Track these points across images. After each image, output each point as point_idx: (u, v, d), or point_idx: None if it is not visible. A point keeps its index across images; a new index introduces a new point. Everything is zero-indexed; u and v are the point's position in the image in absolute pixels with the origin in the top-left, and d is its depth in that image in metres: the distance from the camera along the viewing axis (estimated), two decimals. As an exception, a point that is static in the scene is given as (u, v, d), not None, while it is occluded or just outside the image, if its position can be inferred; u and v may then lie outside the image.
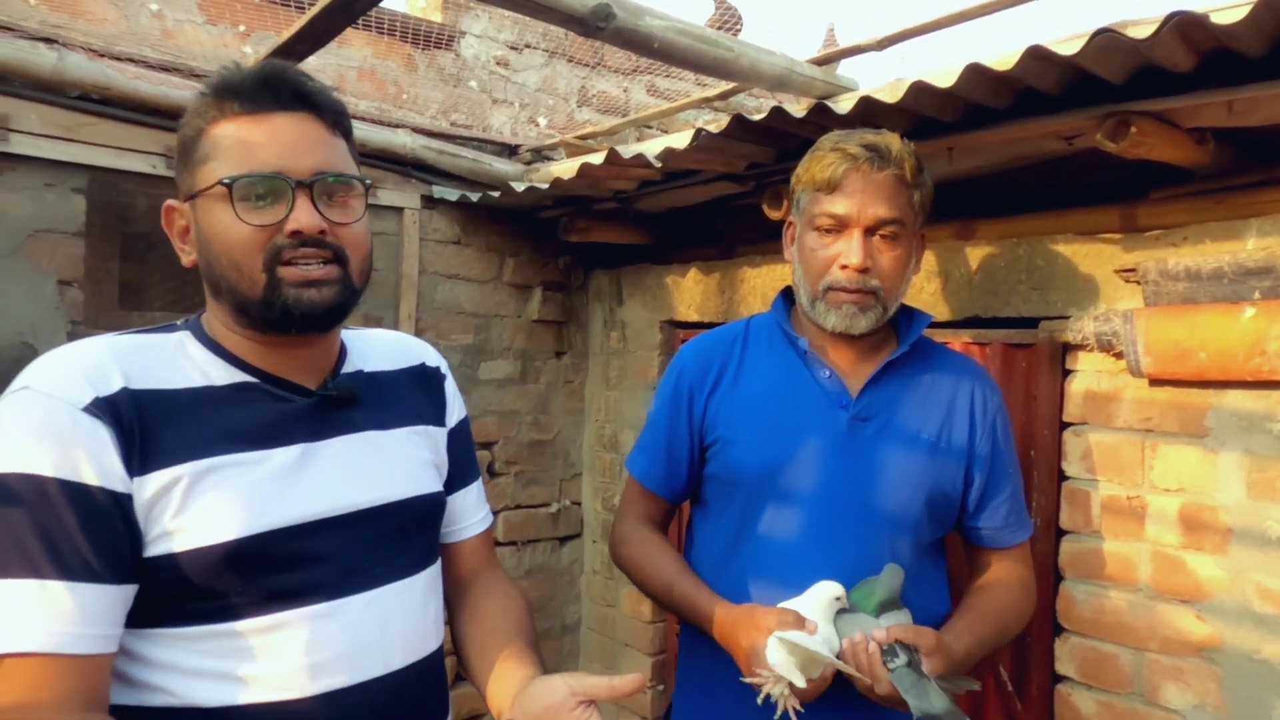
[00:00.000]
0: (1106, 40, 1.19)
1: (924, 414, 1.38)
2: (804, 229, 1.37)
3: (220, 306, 0.99)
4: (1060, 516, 1.77)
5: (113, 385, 0.89)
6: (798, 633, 1.16)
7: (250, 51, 2.24)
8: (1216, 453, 1.55)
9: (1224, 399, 1.54)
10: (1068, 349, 1.76)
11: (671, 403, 1.44)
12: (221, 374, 0.97)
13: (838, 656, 1.19)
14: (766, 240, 2.36)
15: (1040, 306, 1.80)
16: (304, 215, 0.93)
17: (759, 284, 2.34)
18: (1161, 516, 1.61)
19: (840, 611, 1.24)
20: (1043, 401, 1.81)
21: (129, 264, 2.09)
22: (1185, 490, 1.59)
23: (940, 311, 1.97)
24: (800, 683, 1.14)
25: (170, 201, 1.00)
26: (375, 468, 1.04)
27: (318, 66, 2.39)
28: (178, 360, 0.96)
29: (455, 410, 1.21)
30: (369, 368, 1.10)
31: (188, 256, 1.00)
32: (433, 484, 1.13)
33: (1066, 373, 1.77)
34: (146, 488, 0.88)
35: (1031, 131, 1.50)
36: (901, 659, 1.16)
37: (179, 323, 1.03)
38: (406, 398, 1.13)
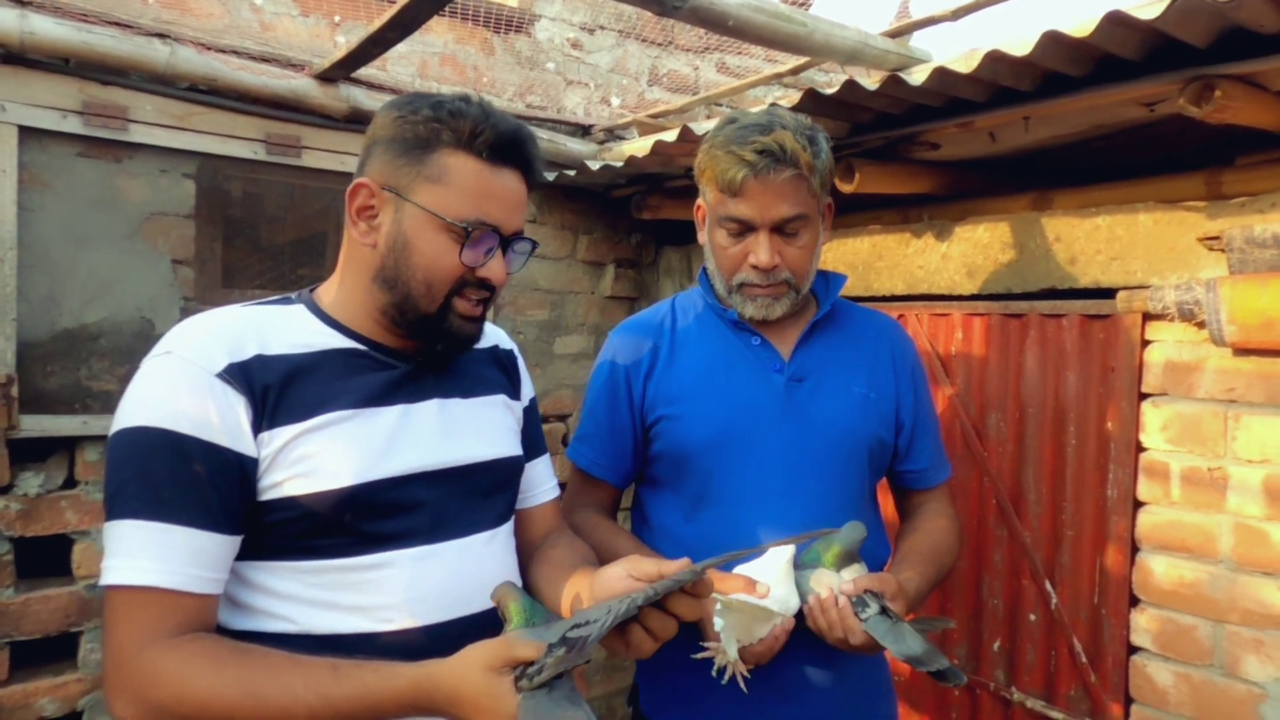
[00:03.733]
0: (1189, 3, 1.18)
1: (852, 369, 1.45)
2: (713, 225, 1.41)
3: (372, 289, 1.08)
4: (1138, 488, 1.76)
5: (247, 351, 1.00)
6: (739, 594, 1.13)
7: (343, 40, 2.35)
8: (1304, 423, 1.52)
9: (1313, 368, 1.51)
10: (1147, 319, 1.74)
11: (609, 389, 1.47)
12: (335, 341, 1.09)
13: (799, 615, 1.22)
14: (839, 214, 2.37)
15: (1119, 276, 1.78)
16: (498, 269, 1.08)
17: (830, 258, 2.36)
18: (1244, 488, 1.59)
19: (803, 569, 1.26)
20: (1120, 373, 1.80)
21: (230, 245, 2.23)
22: (1270, 461, 1.56)
23: (1015, 284, 1.97)
24: (732, 653, 1.16)
25: (365, 180, 1.06)
26: (464, 430, 1.16)
27: (404, 53, 2.49)
28: (298, 328, 1.08)
29: (527, 388, 1.33)
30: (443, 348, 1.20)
31: (365, 236, 1.07)
32: (514, 448, 1.24)
33: (1145, 343, 1.75)
34: (275, 440, 0.99)
35: (1111, 98, 1.49)
36: (873, 608, 1.18)
37: (293, 296, 1.15)
38: (487, 372, 1.25)
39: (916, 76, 1.56)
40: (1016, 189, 2.05)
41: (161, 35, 1.98)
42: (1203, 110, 1.38)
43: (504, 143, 1.05)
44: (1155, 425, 1.72)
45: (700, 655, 1.24)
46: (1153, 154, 1.89)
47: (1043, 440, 1.94)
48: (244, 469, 0.98)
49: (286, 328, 1.06)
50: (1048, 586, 1.92)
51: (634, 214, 2.62)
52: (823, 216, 1.45)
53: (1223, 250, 1.61)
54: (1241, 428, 1.60)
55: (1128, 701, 1.78)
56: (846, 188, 1.94)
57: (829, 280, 1.54)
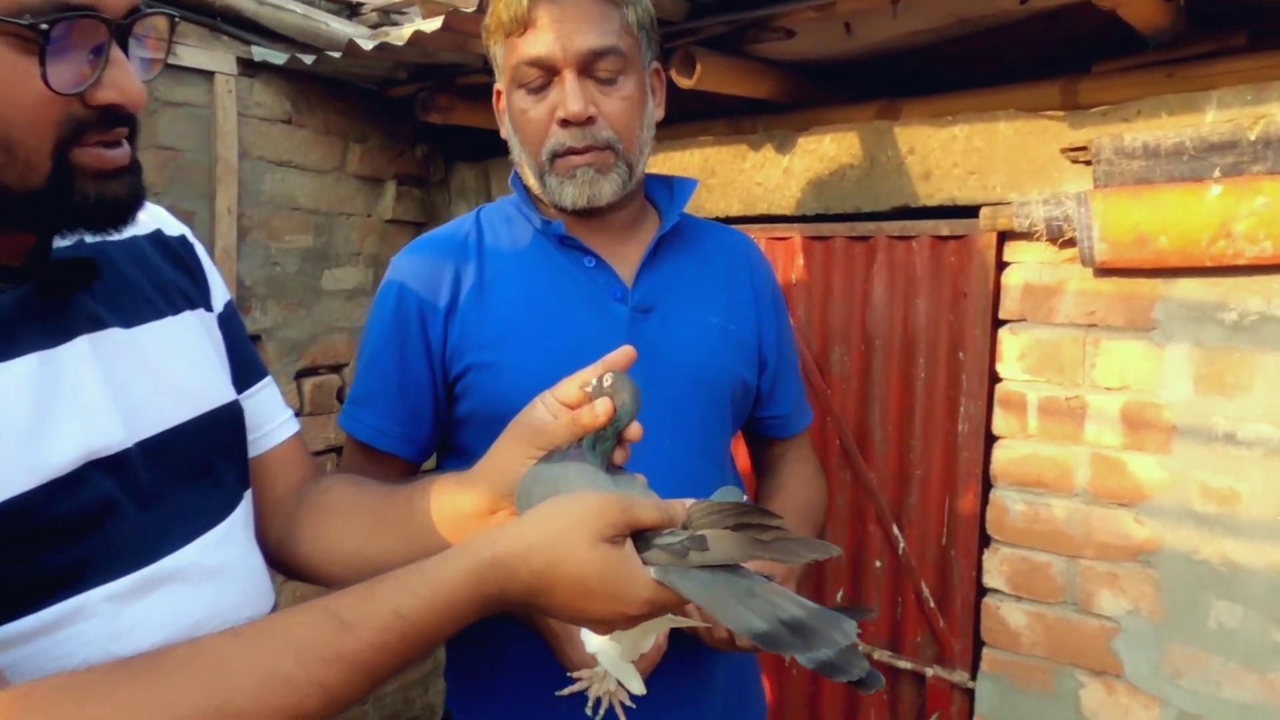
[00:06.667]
0: None
1: (707, 296, 1.18)
2: (511, 91, 1.09)
3: None
4: (992, 422, 1.64)
5: None
6: None
7: None
8: (1163, 346, 1.45)
9: (1174, 288, 1.43)
10: (1004, 239, 1.61)
11: (396, 333, 1.11)
12: None
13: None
14: (664, 125, 2.06)
15: (978, 192, 1.63)
16: (127, 81, 0.64)
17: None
18: (1102, 417, 1.51)
19: None
20: (974, 298, 1.66)
21: None
22: (1129, 388, 1.49)
23: (865, 201, 1.77)
24: (639, 689, 0.86)
25: None
26: (143, 377, 0.74)
27: None
28: None
29: (219, 288, 0.90)
30: (88, 236, 0.73)
31: None
32: (225, 387, 0.84)
33: (1001, 265, 1.63)
34: None
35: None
36: None
37: None
38: (159, 274, 0.81)
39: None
40: (859, 97, 1.85)
41: None
42: (1101, -10, 1.20)
43: None
44: (1012, 354, 1.60)
45: (570, 690, 0.91)
46: (1005, 62, 1.76)
47: (890, 374, 1.79)
48: None
49: None
50: (895, 530, 1.79)
51: (419, 116, 2.15)
52: (652, 90, 1.14)
53: (1087, 162, 1.49)
54: (1101, 354, 1.51)
55: (977, 645, 1.69)
56: (686, 82, 1.63)
57: (674, 187, 1.23)
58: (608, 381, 0.77)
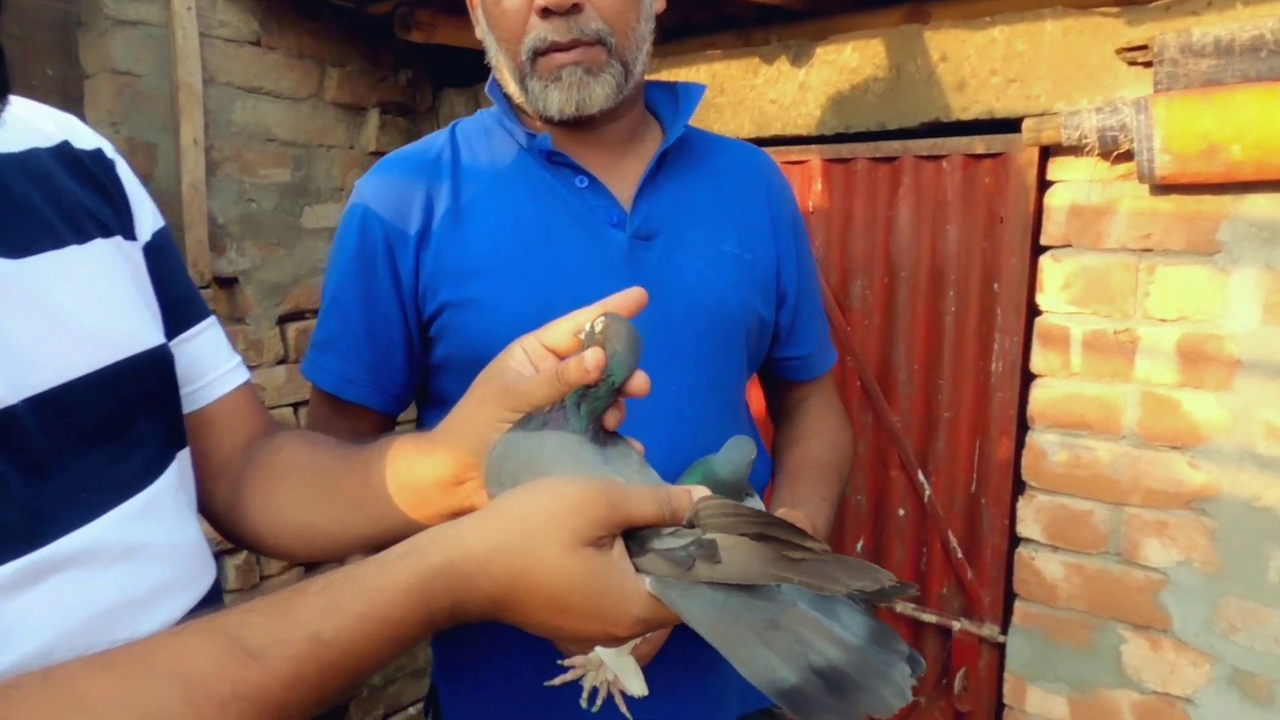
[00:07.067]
0: None
1: (717, 219, 1.02)
2: None
3: None
4: (1030, 358, 1.50)
5: None
6: None
7: None
8: (1228, 272, 1.30)
9: (1243, 206, 1.27)
10: (1048, 155, 1.45)
11: (361, 267, 0.97)
12: None
13: None
14: (664, 41, 1.88)
15: (1019, 103, 1.45)
16: None
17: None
18: (1155, 351, 1.37)
19: None
20: (1012, 222, 1.50)
21: None
22: (1187, 319, 1.34)
23: (890, 117, 1.60)
24: (638, 689, 0.73)
25: None
26: (43, 318, 0.60)
27: None
28: None
29: (146, 213, 0.74)
30: None
31: None
32: (148, 329, 0.68)
33: (1044, 185, 1.46)
34: None
35: None
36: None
37: None
38: (63, 195, 0.66)
39: None
40: (885, 1, 1.66)
41: None
42: None
43: None
44: (1055, 283, 1.45)
45: (560, 680, 0.80)
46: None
47: (916, 309, 1.64)
48: None
49: None
50: (920, 477, 1.66)
51: (399, 35, 1.97)
52: None
53: (1147, 64, 1.31)
54: (1156, 281, 1.36)
55: (1008, 598, 1.58)
56: (690, -18, 1.45)
57: (679, 94, 1.06)
58: (599, 326, 0.61)
